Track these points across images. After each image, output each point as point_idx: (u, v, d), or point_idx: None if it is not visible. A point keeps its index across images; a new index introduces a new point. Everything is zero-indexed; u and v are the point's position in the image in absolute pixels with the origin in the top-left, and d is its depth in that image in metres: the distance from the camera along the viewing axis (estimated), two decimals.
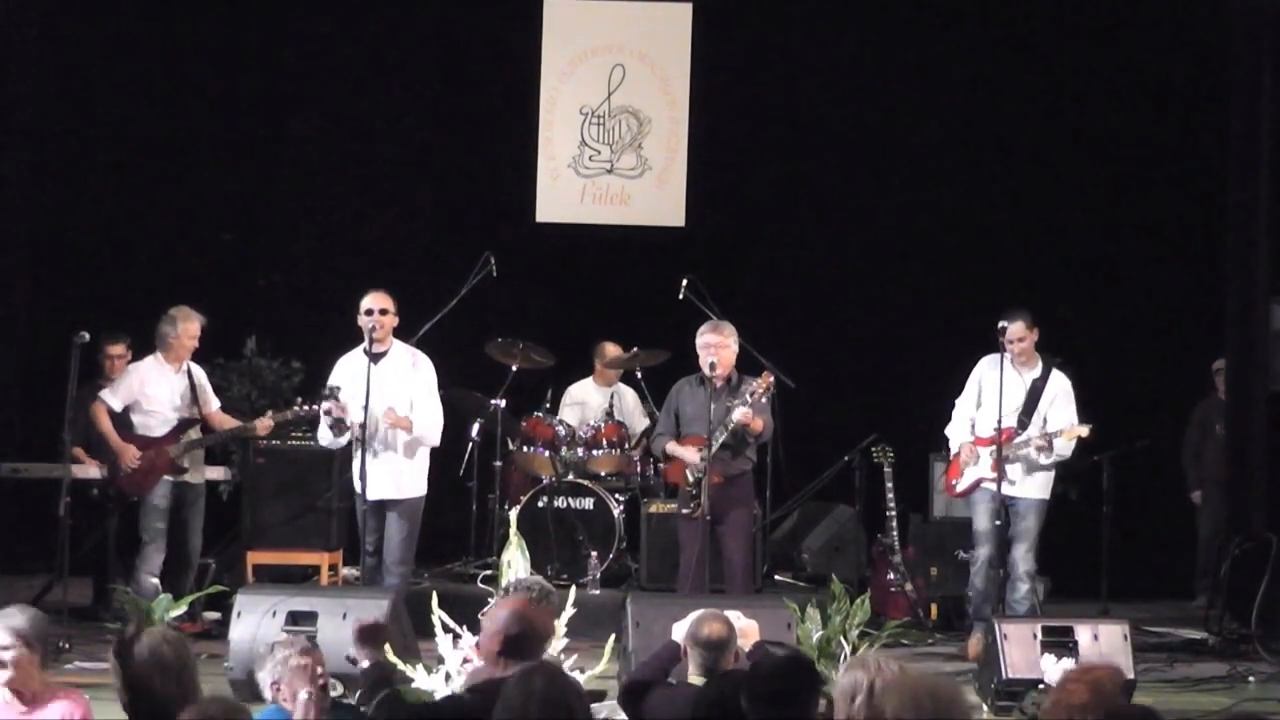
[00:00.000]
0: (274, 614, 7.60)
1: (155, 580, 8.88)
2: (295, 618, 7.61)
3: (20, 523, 10.62)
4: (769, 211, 12.11)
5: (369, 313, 8.71)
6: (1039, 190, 11.76)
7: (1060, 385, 9.05)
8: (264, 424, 9.30)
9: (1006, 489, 8.90)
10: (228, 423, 9.47)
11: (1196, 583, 10.91)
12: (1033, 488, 8.98)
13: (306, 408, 9.11)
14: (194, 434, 9.28)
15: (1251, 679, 8.51)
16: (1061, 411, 9.00)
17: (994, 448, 8.81)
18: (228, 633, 7.65)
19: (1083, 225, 11.77)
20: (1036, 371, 9.04)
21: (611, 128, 12.14)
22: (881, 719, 4.36)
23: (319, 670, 5.13)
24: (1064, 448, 8.96)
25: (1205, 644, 9.35)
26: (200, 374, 9.46)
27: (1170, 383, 11.39)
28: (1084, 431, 8.93)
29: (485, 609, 6.68)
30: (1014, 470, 8.93)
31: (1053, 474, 9.06)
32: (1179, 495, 11.29)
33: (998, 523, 8.83)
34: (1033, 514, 8.95)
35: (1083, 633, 7.73)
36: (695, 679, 5.53)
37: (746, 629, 5.96)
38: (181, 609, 8.03)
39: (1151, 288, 11.59)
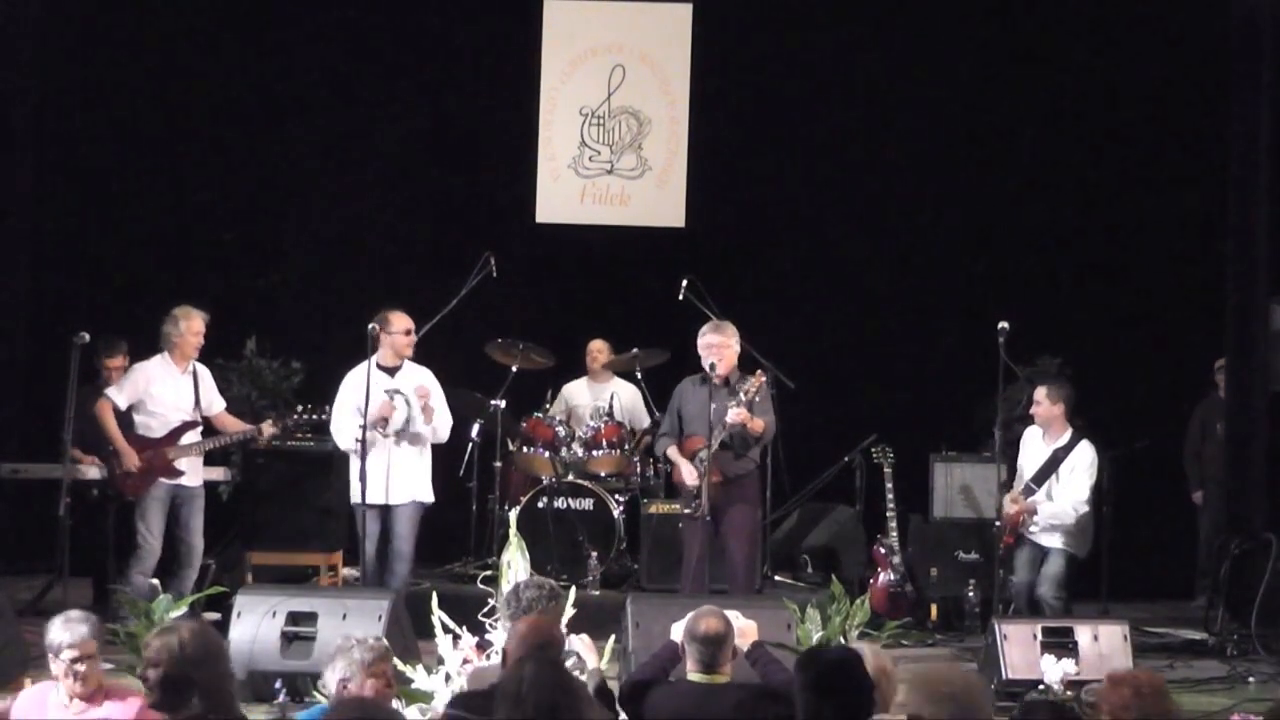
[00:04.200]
0: (274, 614, 7.61)
1: (150, 580, 8.85)
2: (295, 618, 7.62)
3: (20, 523, 10.62)
4: (769, 211, 12.11)
5: (408, 333, 9.00)
6: (1039, 190, 11.76)
7: (1081, 458, 9.22)
8: (267, 430, 9.37)
9: (1040, 538, 9.22)
10: (233, 425, 9.43)
11: (1196, 583, 10.90)
12: (1059, 540, 9.16)
13: (308, 414, 9.25)
14: (193, 437, 9.25)
15: (1251, 679, 8.52)
16: (1070, 484, 9.18)
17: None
18: (228, 633, 7.63)
19: (1083, 225, 11.77)
20: (1062, 441, 9.25)
21: (611, 128, 12.13)
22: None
23: (389, 674, 5.15)
24: (1052, 516, 9.14)
25: (1205, 644, 9.36)
26: (206, 374, 9.43)
27: (1170, 383, 11.37)
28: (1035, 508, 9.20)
29: (485, 609, 6.72)
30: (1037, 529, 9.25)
31: (1075, 532, 9.19)
32: (1179, 495, 11.28)
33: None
34: (1058, 561, 9.13)
35: (1083, 633, 7.75)
36: (694, 676, 5.54)
37: (745, 629, 5.96)
38: (182, 609, 8.01)
39: (1152, 288, 11.58)
